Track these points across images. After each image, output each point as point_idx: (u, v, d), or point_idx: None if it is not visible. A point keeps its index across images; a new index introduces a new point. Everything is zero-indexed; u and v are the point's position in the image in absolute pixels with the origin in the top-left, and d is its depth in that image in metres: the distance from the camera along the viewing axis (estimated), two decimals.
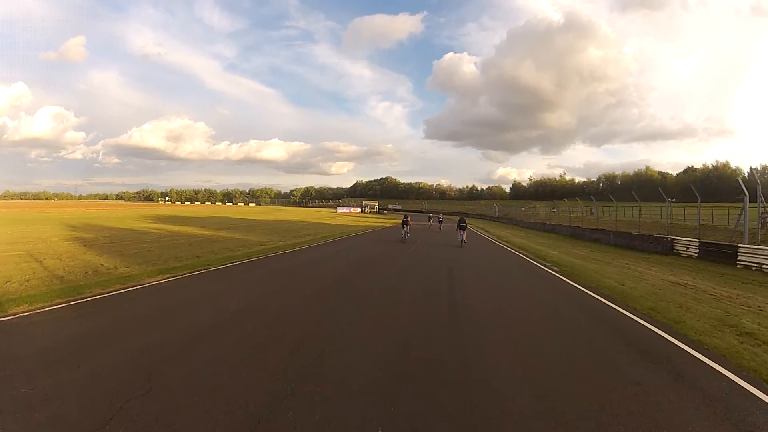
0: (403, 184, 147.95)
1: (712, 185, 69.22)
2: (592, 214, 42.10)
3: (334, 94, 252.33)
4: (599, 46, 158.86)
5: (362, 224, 38.47)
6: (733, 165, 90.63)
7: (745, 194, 16.37)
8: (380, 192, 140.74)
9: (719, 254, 15.89)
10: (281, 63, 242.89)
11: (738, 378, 4.07)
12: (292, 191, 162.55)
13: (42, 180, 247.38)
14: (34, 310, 5.82)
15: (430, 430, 2.96)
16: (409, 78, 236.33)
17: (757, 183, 16.54)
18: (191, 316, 5.70)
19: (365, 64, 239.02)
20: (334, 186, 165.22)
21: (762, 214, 16.95)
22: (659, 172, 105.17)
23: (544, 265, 12.58)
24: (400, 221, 22.45)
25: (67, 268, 9.58)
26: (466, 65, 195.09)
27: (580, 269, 11.39)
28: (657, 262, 15.17)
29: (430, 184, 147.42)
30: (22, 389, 3.36)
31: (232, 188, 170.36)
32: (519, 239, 25.52)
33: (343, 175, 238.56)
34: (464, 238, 19.02)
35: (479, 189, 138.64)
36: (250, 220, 37.70)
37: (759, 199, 16.58)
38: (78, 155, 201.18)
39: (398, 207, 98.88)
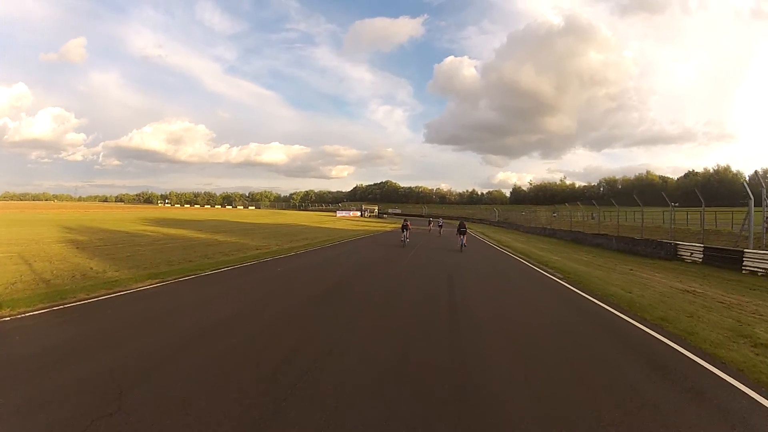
0: (403, 188, 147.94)
1: (713, 189, 69.09)
2: (593, 218, 41.80)
3: (335, 97, 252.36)
4: (599, 50, 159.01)
5: (361, 228, 38.13)
6: (734, 169, 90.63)
7: (750, 198, 16.08)
8: (380, 196, 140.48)
9: (724, 259, 15.58)
10: (282, 66, 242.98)
11: (758, 395, 3.80)
12: (291, 195, 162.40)
13: (42, 181, 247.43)
14: (14, 315, 5.59)
15: None
16: (409, 81, 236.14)
17: (762, 186, 16.20)
18: (174, 325, 5.37)
19: (366, 67, 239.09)
20: (334, 190, 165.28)
21: (767, 218, 16.66)
22: (660, 177, 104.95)
23: (547, 272, 12.24)
24: (400, 225, 22.24)
25: (55, 272, 9.33)
26: (467, 69, 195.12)
27: (584, 276, 11.05)
28: (661, 268, 14.84)
29: (430, 188, 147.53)
30: None
31: (232, 191, 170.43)
32: (520, 244, 25.19)
33: (343, 179, 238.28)
34: (464, 242, 18.96)
35: (479, 193, 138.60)
36: (248, 223, 37.37)
37: (764, 203, 16.28)
38: (78, 157, 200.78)
39: (398, 211, 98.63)
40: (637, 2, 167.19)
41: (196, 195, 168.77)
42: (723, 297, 9.30)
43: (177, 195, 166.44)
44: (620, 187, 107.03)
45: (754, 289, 10.47)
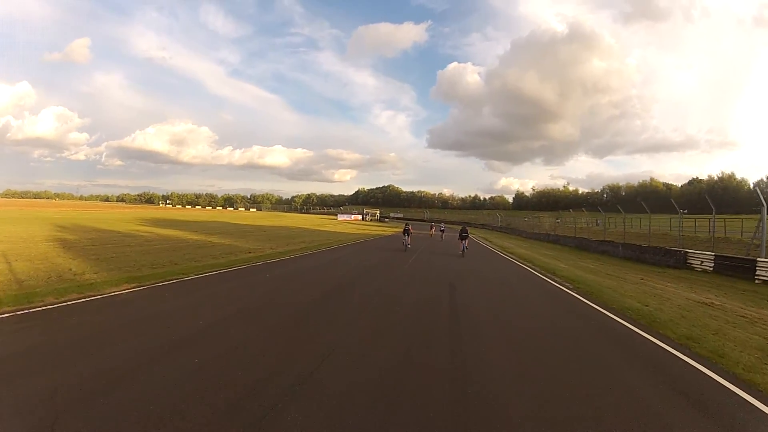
0: (405, 192, 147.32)
1: (718, 196, 68.06)
2: (597, 225, 41.11)
3: (338, 101, 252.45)
4: (603, 58, 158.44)
5: (361, 232, 37.51)
6: (738, 176, 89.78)
7: (763, 205, 15.40)
8: (382, 200, 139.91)
9: (736, 268, 14.94)
10: (285, 70, 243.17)
11: None
12: (293, 197, 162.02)
13: (45, 180, 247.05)
14: None
15: None
16: (412, 87, 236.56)
17: None
18: (137, 339, 4.73)
19: (369, 72, 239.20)
20: (336, 193, 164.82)
21: None
22: (664, 184, 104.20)
23: (555, 281, 11.52)
24: (401, 230, 22.05)
25: (32, 272, 8.83)
26: (470, 75, 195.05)
27: (595, 286, 10.33)
28: (673, 277, 14.16)
29: (432, 193, 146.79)
30: None
31: (234, 193, 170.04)
32: (523, 250, 24.51)
33: (345, 183, 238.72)
34: (466, 247, 18.96)
35: (482, 199, 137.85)
36: (246, 225, 36.80)
37: None
38: (81, 156, 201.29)
39: (400, 215, 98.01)
40: (640, 10, 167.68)
41: (198, 196, 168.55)
42: (743, 310, 8.64)
43: (178, 196, 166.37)
44: (624, 193, 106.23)
45: None
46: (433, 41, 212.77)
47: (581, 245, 29.39)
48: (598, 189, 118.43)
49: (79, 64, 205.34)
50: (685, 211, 22.92)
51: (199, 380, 3.64)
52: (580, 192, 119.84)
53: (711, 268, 16.13)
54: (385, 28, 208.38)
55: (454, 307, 7.52)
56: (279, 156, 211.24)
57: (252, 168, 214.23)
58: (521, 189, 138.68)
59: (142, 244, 15.70)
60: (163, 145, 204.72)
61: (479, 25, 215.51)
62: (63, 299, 6.52)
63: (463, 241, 18.97)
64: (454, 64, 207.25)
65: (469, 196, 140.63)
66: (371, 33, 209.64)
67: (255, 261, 12.42)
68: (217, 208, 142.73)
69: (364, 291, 8.70)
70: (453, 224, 56.15)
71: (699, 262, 17.01)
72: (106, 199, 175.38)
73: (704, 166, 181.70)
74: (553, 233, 39.63)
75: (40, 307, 6.00)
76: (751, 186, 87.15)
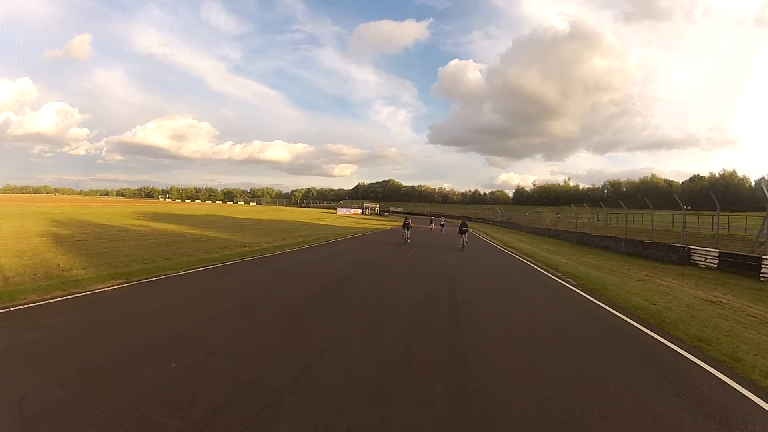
0: (405, 186, 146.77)
1: (719, 194, 67.59)
2: (598, 220, 40.81)
3: (339, 98, 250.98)
4: (604, 56, 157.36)
5: (361, 226, 37.20)
6: (739, 174, 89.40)
7: None
8: (382, 194, 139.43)
9: (740, 266, 14.67)
10: (287, 66, 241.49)
11: None
12: (293, 192, 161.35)
13: (45, 175, 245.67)
14: None
15: None
16: (414, 84, 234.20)
17: None
18: (113, 340, 4.42)
19: (370, 69, 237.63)
20: (336, 187, 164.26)
21: None
22: (665, 180, 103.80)
23: (558, 277, 11.18)
24: (401, 224, 22.17)
25: (20, 268, 8.55)
26: (471, 72, 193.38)
27: (600, 282, 10.01)
28: (677, 274, 13.87)
29: (432, 187, 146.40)
30: None
31: (234, 187, 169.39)
32: (524, 245, 24.20)
33: (345, 177, 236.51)
34: (465, 240, 19.01)
35: (482, 193, 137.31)
36: (244, 219, 36.45)
37: None
38: (81, 151, 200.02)
39: (400, 209, 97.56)
40: (642, 10, 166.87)
41: (198, 190, 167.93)
42: (752, 309, 8.36)
43: (178, 190, 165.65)
44: (625, 189, 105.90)
45: None
46: (434, 39, 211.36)
47: (582, 240, 29.11)
48: (598, 185, 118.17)
49: (80, 60, 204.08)
50: (689, 208, 22.62)
51: (173, 387, 3.34)
52: (581, 187, 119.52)
53: (715, 265, 15.87)
54: (386, 26, 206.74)
55: (454, 304, 7.22)
56: (279, 151, 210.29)
57: (252, 163, 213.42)
58: (521, 184, 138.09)
59: (136, 239, 15.40)
60: (164, 140, 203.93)
61: (481, 23, 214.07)
62: (46, 297, 6.23)
63: (463, 236, 19.22)
64: (456, 61, 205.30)
65: (470, 191, 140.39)
66: (373, 30, 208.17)
67: (249, 255, 12.10)
68: (217, 202, 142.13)
69: (361, 286, 8.42)
70: (453, 218, 55.82)
71: (703, 259, 16.75)
72: (106, 193, 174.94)
73: (704, 164, 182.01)
74: (553, 228, 39.35)
75: (23, 305, 5.72)
76: (753, 184, 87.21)
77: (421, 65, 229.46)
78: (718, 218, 20.51)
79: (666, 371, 4.37)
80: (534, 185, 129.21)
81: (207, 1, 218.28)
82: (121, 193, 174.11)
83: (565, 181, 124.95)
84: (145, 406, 3.02)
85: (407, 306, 6.85)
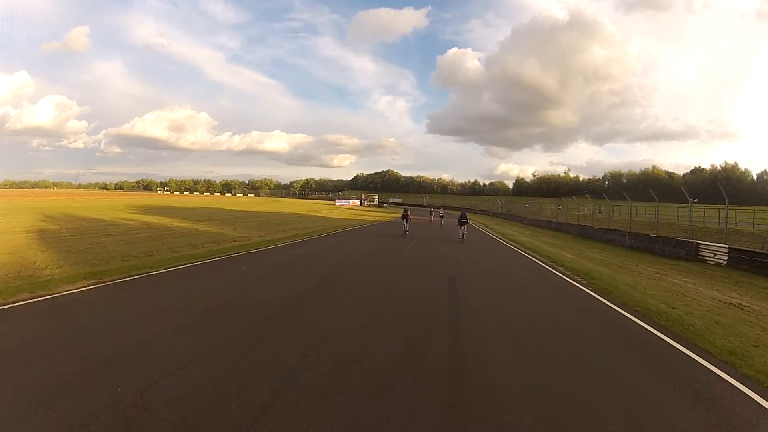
0: (404, 177, 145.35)
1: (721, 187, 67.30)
2: (600, 212, 40.17)
3: (337, 87, 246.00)
4: (604, 46, 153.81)
5: (359, 218, 36.57)
6: (741, 167, 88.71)
7: None
8: (381, 185, 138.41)
9: (752, 263, 14.13)
10: (285, 55, 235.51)
11: None
12: (292, 183, 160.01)
13: (43, 169, 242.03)
14: None
15: None
16: (412, 72, 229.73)
17: None
18: (64, 354, 3.84)
19: (369, 57, 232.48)
20: (335, 178, 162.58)
21: None
22: (666, 172, 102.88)
23: (565, 275, 10.50)
24: (400, 215, 21.93)
25: None
26: (470, 61, 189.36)
27: (611, 282, 9.34)
28: (687, 271, 13.29)
29: (431, 178, 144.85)
30: None
31: (233, 179, 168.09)
32: (526, 238, 23.60)
33: (344, 168, 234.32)
34: (465, 233, 19.00)
35: (482, 184, 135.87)
36: (240, 211, 35.77)
37: None
38: (80, 144, 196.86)
39: (399, 200, 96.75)
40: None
41: (196, 182, 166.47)
42: None
43: (176, 182, 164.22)
44: (625, 181, 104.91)
45: None
46: (433, 27, 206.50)
47: (585, 233, 28.52)
48: (599, 176, 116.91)
49: (77, 52, 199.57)
50: (696, 201, 22.01)
51: (111, 418, 2.73)
52: (582, 179, 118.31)
53: (725, 262, 15.32)
54: (385, 14, 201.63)
55: (454, 307, 6.60)
56: (278, 141, 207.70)
57: (251, 153, 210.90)
58: (521, 175, 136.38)
59: (124, 233, 14.80)
60: (162, 131, 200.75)
61: (480, 11, 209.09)
62: (11, 300, 5.71)
63: (462, 227, 19.05)
64: (454, 49, 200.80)
65: (469, 182, 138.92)
66: (371, 18, 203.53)
67: (237, 251, 11.46)
68: (215, 194, 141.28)
69: (353, 288, 7.77)
70: (452, 210, 55.14)
71: (712, 255, 16.20)
72: (104, 187, 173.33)
73: (704, 156, 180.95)
74: (555, 220, 38.72)
75: None
76: (755, 177, 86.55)
77: (419, 54, 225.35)
78: (727, 212, 19.89)
79: (701, 396, 3.76)
80: (534, 176, 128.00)
81: None
82: (119, 186, 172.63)
83: (565, 172, 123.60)
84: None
85: (404, 309, 6.23)
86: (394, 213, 49.69)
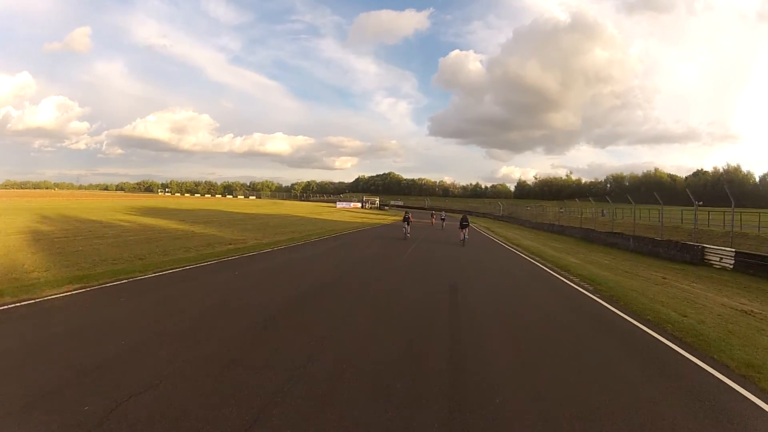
0: (405, 180, 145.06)
1: (723, 189, 66.88)
2: (603, 215, 39.76)
3: (339, 88, 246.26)
4: (605, 48, 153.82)
5: (359, 221, 36.26)
6: (744, 170, 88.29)
7: None
8: (382, 188, 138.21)
9: (759, 267, 13.78)
10: (286, 57, 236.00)
11: None
12: (293, 185, 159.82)
13: (45, 170, 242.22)
14: None
15: None
16: (414, 74, 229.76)
17: None
18: (35, 366, 3.57)
19: (371, 59, 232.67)
20: (336, 181, 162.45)
21: None
22: (669, 175, 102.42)
23: (571, 281, 10.12)
24: (401, 218, 22.12)
25: None
26: (472, 63, 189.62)
27: (619, 288, 8.99)
28: (694, 276, 12.92)
29: (433, 180, 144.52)
30: None
31: (234, 181, 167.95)
32: (529, 242, 23.27)
33: (346, 170, 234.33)
34: (466, 236, 19.00)
35: (483, 187, 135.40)
36: (239, 213, 35.50)
37: None
38: (82, 145, 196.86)
39: (400, 203, 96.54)
40: (644, 1, 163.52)
41: (197, 184, 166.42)
42: None
43: (178, 184, 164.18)
44: (627, 184, 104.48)
45: None
46: (434, 28, 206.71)
47: (588, 237, 28.15)
48: (601, 178, 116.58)
49: (79, 53, 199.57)
50: (701, 203, 21.64)
51: None
52: (583, 181, 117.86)
53: (731, 266, 14.97)
54: (386, 15, 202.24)
55: (455, 317, 6.30)
56: (280, 143, 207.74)
57: (253, 155, 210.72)
58: (522, 178, 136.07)
59: (118, 236, 14.52)
60: (164, 132, 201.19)
61: (481, 13, 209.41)
62: None
63: (464, 230, 19.04)
64: (456, 51, 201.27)
65: (470, 184, 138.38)
66: (373, 20, 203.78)
67: (231, 254, 11.14)
68: (216, 196, 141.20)
69: (346, 297, 7.42)
70: (454, 213, 54.82)
71: (718, 259, 15.84)
72: (105, 188, 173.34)
73: (705, 159, 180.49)
74: (557, 223, 38.35)
75: None
76: (757, 179, 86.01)
77: (421, 56, 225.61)
78: (733, 215, 19.54)
79: (724, 417, 3.44)
80: (536, 179, 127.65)
81: None
82: (120, 188, 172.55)
83: (567, 175, 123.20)
84: None
85: (401, 321, 5.91)
86: (395, 216, 49.40)
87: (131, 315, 5.37)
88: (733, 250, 15.50)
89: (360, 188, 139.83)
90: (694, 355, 4.83)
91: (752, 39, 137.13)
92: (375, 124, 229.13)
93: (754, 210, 26.94)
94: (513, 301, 7.76)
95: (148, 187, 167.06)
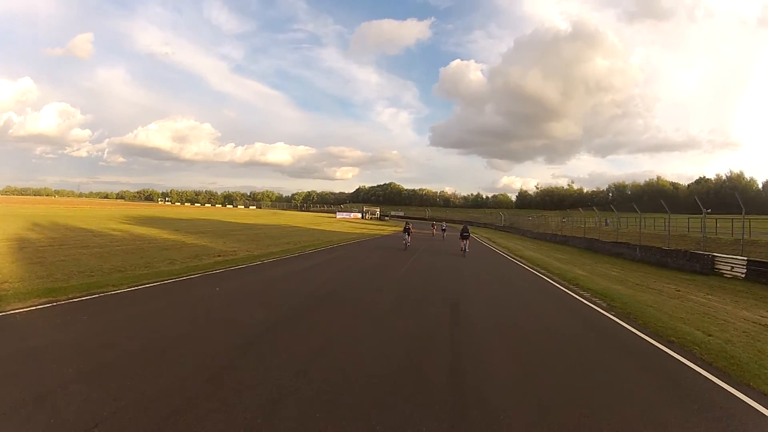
0: (406, 190, 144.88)
1: (726, 196, 66.45)
2: (606, 225, 39.16)
3: (341, 98, 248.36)
4: (606, 56, 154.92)
5: (358, 232, 35.68)
6: (746, 176, 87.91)
7: None
8: (383, 198, 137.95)
9: None
10: (288, 66, 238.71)
11: None
12: (294, 195, 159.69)
13: (46, 177, 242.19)
14: None
15: None
16: (415, 84, 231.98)
17: None
18: None
19: (372, 69, 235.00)
20: (337, 191, 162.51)
21: None
22: (671, 183, 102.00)
23: (582, 296, 9.36)
24: (401, 229, 22.26)
25: None
26: (473, 73, 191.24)
27: (633, 304, 8.30)
28: (706, 287, 12.28)
29: (434, 190, 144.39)
30: None
31: (235, 190, 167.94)
32: (532, 252, 22.64)
33: (347, 181, 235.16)
34: (467, 248, 18.80)
35: (484, 197, 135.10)
36: (235, 223, 34.92)
37: None
38: (83, 153, 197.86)
39: (401, 214, 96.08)
40: (644, 9, 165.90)
41: (198, 193, 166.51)
42: None
43: (178, 193, 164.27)
44: (629, 192, 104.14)
45: None
46: (436, 38, 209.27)
47: (592, 247, 27.49)
48: (602, 188, 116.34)
49: (81, 59, 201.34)
50: (709, 211, 21.08)
51: None
52: (585, 191, 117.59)
53: (743, 275, 14.35)
54: (388, 25, 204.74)
55: (457, 340, 5.70)
56: (281, 153, 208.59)
57: (254, 165, 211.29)
58: (524, 187, 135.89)
59: (105, 245, 13.97)
60: (166, 141, 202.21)
61: (483, 23, 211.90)
62: None
63: (464, 241, 18.78)
64: (457, 61, 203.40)
65: (472, 195, 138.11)
66: (374, 29, 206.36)
67: (217, 267, 10.48)
68: (217, 205, 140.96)
69: (334, 314, 6.81)
70: (455, 223, 54.27)
71: (729, 268, 15.22)
72: (106, 196, 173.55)
73: (706, 167, 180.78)
74: (560, 233, 37.70)
75: None
76: (760, 186, 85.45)
77: (422, 65, 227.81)
78: (743, 222, 18.92)
79: None
80: (537, 188, 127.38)
81: None
82: (120, 196, 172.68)
83: (568, 185, 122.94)
84: None
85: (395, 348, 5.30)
86: (395, 226, 48.84)
87: (85, 337, 4.70)
88: (745, 258, 14.89)
89: (361, 199, 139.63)
90: (729, 384, 4.15)
91: (752, 45, 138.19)
92: (376, 134, 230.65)
93: (759, 216, 26.32)
94: (521, 320, 7.02)
95: (148, 196, 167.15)
